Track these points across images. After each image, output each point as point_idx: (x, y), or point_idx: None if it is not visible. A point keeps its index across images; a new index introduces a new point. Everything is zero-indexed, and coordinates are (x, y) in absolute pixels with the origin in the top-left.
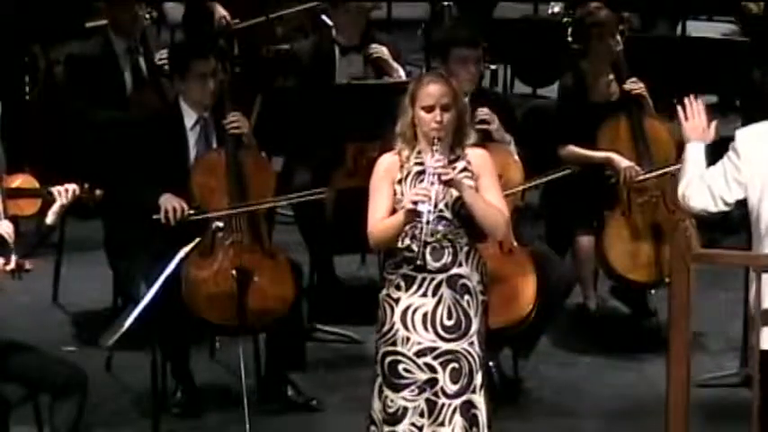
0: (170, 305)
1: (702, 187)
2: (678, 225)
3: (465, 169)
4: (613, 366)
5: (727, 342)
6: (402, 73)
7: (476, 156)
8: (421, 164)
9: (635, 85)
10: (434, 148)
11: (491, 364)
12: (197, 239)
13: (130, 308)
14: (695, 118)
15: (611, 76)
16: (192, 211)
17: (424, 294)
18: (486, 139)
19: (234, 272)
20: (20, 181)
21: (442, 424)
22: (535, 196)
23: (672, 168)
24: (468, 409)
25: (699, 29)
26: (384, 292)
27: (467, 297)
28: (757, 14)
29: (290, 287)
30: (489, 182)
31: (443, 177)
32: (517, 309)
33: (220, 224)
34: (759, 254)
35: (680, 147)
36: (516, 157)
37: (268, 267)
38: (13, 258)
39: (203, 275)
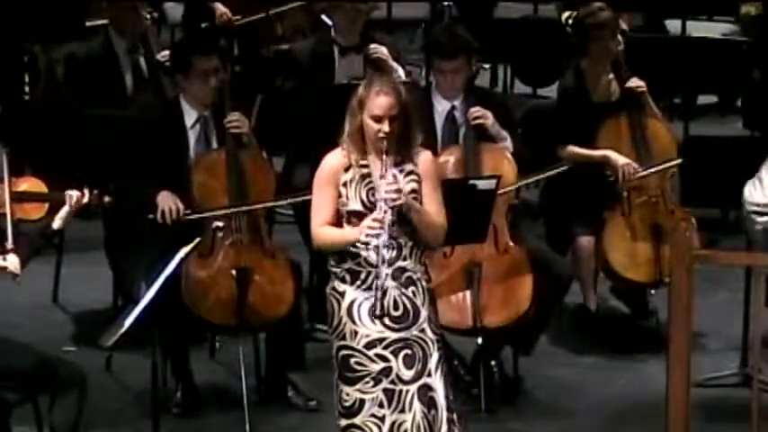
0: (170, 305)
1: None
2: (678, 225)
3: (412, 172)
4: (613, 366)
5: (727, 342)
6: (401, 73)
7: (423, 160)
8: (366, 166)
9: (636, 84)
10: (384, 164)
11: (492, 363)
12: (197, 239)
13: (130, 308)
14: None
15: (611, 76)
16: (188, 211)
17: (369, 288)
18: (481, 136)
19: (234, 272)
20: (26, 184)
21: (402, 411)
22: (535, 196)
23: (669, 165)
24: (425, 393)
25: (699, 29)
26: (330, 285)
27: (411, 288)
28: (757, 15)
29: (289, 287)
30: (431, 187)
31: (395, 203)
32: (514, 307)
33: (220, 224)
34: (759, 254)
35: (680, 146)
36: (509, 156)
37: (268, 267)
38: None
39: (203, 275)
